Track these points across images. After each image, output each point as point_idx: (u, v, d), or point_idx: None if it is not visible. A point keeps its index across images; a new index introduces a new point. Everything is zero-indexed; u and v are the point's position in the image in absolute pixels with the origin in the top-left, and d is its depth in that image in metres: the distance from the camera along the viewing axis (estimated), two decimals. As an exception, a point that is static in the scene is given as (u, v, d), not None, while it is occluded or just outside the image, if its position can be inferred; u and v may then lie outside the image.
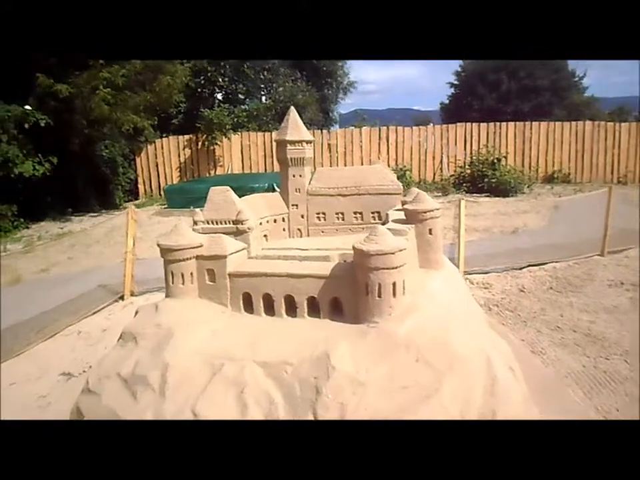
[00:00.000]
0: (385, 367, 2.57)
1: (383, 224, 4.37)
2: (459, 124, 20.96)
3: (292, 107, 4.61)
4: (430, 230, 3.53)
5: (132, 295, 7.23)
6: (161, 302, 3.38)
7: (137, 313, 3.51)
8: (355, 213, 4.57)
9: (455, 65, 34.30)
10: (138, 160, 19.78)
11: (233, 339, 2.96)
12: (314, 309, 3.20)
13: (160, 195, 19.65)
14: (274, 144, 22.32)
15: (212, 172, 20.44)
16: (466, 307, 3.40)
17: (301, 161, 4.52)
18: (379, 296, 2.85)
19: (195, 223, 4.28)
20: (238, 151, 20.66)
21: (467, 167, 19.87)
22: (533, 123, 20.86)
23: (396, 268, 2.83)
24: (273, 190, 15.35)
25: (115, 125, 13.62)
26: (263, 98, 25.87)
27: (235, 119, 20.71)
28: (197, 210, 4.34)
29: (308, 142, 4.52)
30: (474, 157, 19.68)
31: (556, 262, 8.49)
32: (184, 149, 20.37)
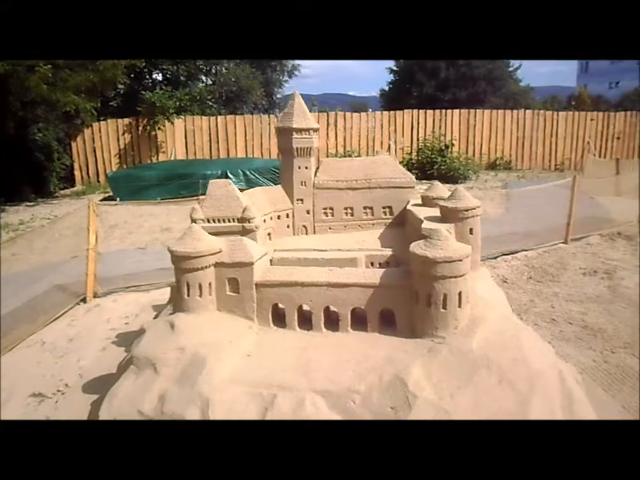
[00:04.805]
0: (468, 392, 2.27)
1: (398, 220, 4.07)
2: (405, 110, 20.99)
3: (296, 92, 4.17)
4: (471, 229, 3.25)
5: (95, 296, 6.52)
6: (176, 318, 2.89)
7: (142, 331, 3.00)
8: (365, 207, 4.22)
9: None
10: (74, 145, 18.29)
11: (276, 363, 2.55)
12: (357, 321, 2.85)
13: (98, 182, 18.41)
14: (219, 128, 21.12)
15: (154, 158, 19.28)
16: (510, 311, 3.16)
17: (308, 151, 4.10)
18: (444, 307, 2.54)
19: (194, 221, 3.79)
20: (181, 136, 19.62)
21: (414, 153, 19.94)
22: (477, 111, 21.25)
23: (462, 276, 2.53)
24: (227, 177, 14.64)
25: (53, 106, 12.35)
26: (206, 80, 24.76)
27: (177, 103, 19.65)
28: (195, 206, 3.85)
29: (315, 130, 4.11)
30: (421, 144, 19.78)
31: (526, 250, 8.55)
32: (123, 133, 19.05)
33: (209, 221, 3.74)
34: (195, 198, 9.61)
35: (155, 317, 4.67)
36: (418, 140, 20.51)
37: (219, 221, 3.71)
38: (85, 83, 12.46)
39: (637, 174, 11.57)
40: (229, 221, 3.70)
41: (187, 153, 19.89)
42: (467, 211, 3.20)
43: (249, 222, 3.67)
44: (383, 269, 2.88)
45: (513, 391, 2.31)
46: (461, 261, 2.49)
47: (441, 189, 3.81)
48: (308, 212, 4.22)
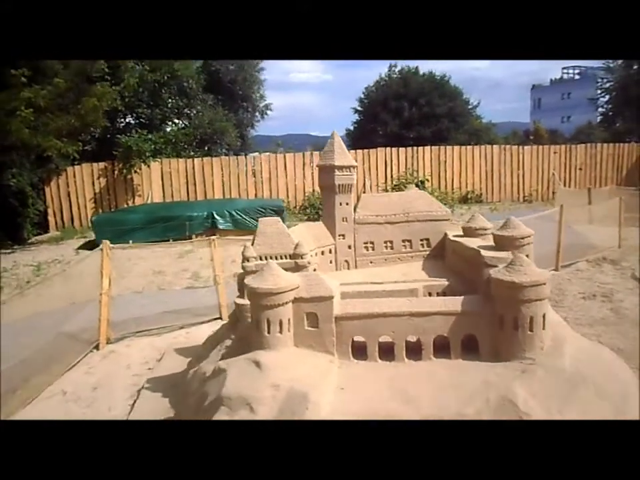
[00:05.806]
0: (573, 407, 2.37)
1: (435, 252, 4.22)
2: (378, 149, 21.60)
3: (335, 132, 4.33)
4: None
5: (108, 342, 6.34)
6: (259, 356, 2.89)
7: (220, 371, 2.98)
8: (403, 241, 4.35)
9: (352, 93, 35.36)
10: (47, 190, 17.96)
11: (373, 394, 2.59)
12: (436, 349, 2.92)
13: (73, 227, 18.08)
14: (196, 170, 21.07)
15: (130, 202, 19.10)
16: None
17: (349, 187, 4.24)
18: (531, 330, 2.65)
19: (246, 259, 3.83)
20: (158, 178, 19.54)
21: (390, 190, 20.40)
22: (447, 147, 22.07)
23: (545, 299, 2.66)
24: (213, 218, 14.59)
25: (31, 150, 12.15)
26: (178, 122, 24.91)
27: (153, 145, 19.66)
28: (247, 244, 3.89)
29: (354, 167, 4.26)
30: (396, 181, 20.28)
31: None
32: (99, 177, 18.87)
33: (261, 259, 3.78)
34: (196, 239, 9.59)
35: (191, 361, 4.57)
36: (392, 177, 21.04)
37: (271, 258, 3.75)
38: (66, 126, 12.36)
39: (607, 203, 12.21)
40: (282, 258, 3.75)
41: (163, 195, 19.77)
42: (522, 238, 3.37)
43: (302, 258, 3.74)
44: (462, 297, 2.99)
45: (610, 402, 2.43)
46: (544, 284, 2.63)
47: (482, 220, 3.99)
48: (350, 247, 4.31)
